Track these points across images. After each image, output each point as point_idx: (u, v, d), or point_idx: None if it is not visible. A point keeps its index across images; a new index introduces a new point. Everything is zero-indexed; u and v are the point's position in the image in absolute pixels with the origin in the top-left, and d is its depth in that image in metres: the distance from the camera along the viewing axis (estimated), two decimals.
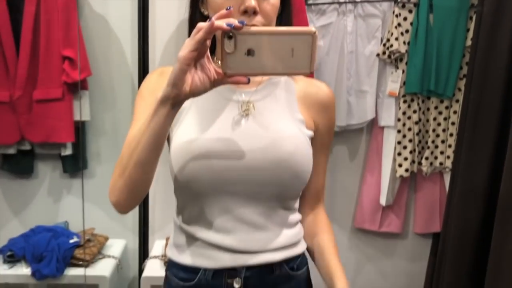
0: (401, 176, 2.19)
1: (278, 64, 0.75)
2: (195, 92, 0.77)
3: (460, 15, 2.07)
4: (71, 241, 1.98)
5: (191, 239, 0.95)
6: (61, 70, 1.99)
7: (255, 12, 0.86)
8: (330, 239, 1.02)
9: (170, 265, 1.00)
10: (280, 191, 0.92)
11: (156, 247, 2.20)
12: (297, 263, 0.98)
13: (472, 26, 2.06)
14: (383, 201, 2.24)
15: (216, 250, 0.92)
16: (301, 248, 1.00)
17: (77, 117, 2.06)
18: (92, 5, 2.11)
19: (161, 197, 2.28)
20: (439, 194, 2.31)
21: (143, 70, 2.14)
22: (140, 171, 0.84)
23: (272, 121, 0.92)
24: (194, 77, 0.76)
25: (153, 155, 0.84)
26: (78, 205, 2.13)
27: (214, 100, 0.93)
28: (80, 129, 2.11)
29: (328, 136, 1.03)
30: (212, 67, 0.77)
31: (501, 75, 1.85)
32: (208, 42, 0.75)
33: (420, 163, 2.21)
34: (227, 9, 0.74)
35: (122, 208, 0.90)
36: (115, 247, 2.19)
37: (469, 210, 1.98)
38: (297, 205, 1.01)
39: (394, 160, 2.18)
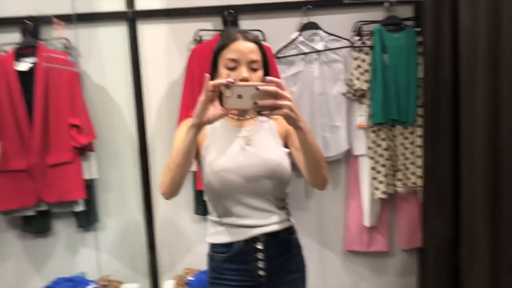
0: (379, 198, 2.42)
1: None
2: (210, 121, 1.29)
3: (410, 52, 2.38)
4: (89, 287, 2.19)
5: (225, 226, 1.47)
6: (69, 136, 2.27)
7: (247, 80, 1.38)
8: None
9: (212, 247, 1.51)
10: (273, 189, 1.46)
11: (166, 286, 2.41)
12: (291, 231, 1.54)
13: (421, 60, 2.36)
14: (367, 222, 2.47)
15: (243, 228, 1.45)
16: (291, 221, 1.55)
17: (86, 176, 2.32)
18: (92, 78, 2.42)
19: (168, 242, 2.52)
20: (418, 211, 2.52)
21: (141, 128, 2.42)
22: (179, 170, 1.37)
23: (264, 147, 1.47)
24: (209, 112, 1.28)
25: (187, 159, 1.36)
26: (93, 256, 2.36)
27: (227, 136, 1.49)
28: (90, 186, 2.37)
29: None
30: (218, 107, 1.29)
31: (449, 96, 2.14)
32: (216, 94, 1.28)
33: (395, 185, 2.45)
34: (227, 80, 1.24)
35: (167, 195, 1.42)
36: None
37: (440, 220, 2.22)
38: (285, 197, 1.55)
39: (371, 184, 2.43)
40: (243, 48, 1.41)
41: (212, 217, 1.53)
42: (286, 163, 1.47)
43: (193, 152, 1.38)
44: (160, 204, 2.49)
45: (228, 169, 1.42)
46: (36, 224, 2.39)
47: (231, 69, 1.41)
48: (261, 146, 1.47)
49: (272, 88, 1.21)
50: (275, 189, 1.47)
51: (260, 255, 1.45)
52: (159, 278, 2.51)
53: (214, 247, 1.51)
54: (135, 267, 2.53)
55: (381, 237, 2.55)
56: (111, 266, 2.49)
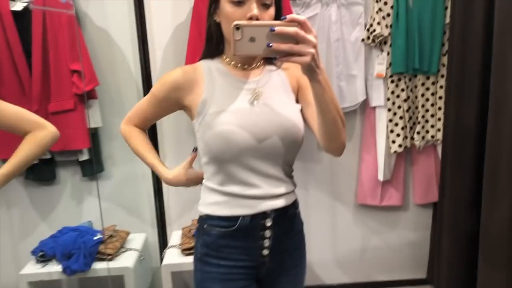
0: (395, 152, 2.31)
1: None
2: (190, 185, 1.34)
3: None
4: (95, 238, 2.16)
5: (228, 196, 1.24)
6: (71, 83, 2.16)
7: (257, 19, 1.13)
8: None
9: (208, 219, 1.27)
10: (285, 152, 1.23)
11: (174, 237, 2.38)
12: (296, 204, 1.34)
13: (449, 4, 2.16)
14: (380, 176, 2.38)
15: (250, 200, 1.22)
16: (296, 194, 1.34)
17: (90, 125, 2.23)
18: (93, 20, 2.27)
19: (175, 192, 2.46)
20: (434, 165, 2.43)
21: (146, 74, 2.30)
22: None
23: (275, 102, 1.23)
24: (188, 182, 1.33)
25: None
26: (99, 205, 2.32)
27: (230, 90, 1.24)
28: (95, 135, 2.29)
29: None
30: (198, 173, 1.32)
31: (478, 46, 1.96)
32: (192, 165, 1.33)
33: (412, 138, 2.33)
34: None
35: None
36: (136, 240, 2.37)
37: (460, 178, 2.11)
38: (293, 162, 1.32)
39: (388, 137, 2.31)
40: None
41: (211, 183, 1.27)
42: (300, 123, 1.25)
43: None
44: (168, 151, 2.41)
45: (235, 127, 1.18)
46: (40, 172, 2.35)
47: (237, 3, 1.15)
48: (272, 101, 1.24)
49: (292, 29, 0.96)
50: (287, 152, 1.24)
51: (267, 233, 1.25)
52: (167, 228, 2.48)
53: (212, 219, 1.26)
54: (142, 217, 2.49)
55: (395, 191, 2.47)
56: (117, 215, 2.45)
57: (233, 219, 1.23)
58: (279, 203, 1.25)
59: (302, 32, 0.95)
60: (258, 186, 1.22)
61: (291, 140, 1.23)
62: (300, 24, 0.96)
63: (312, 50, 0.96)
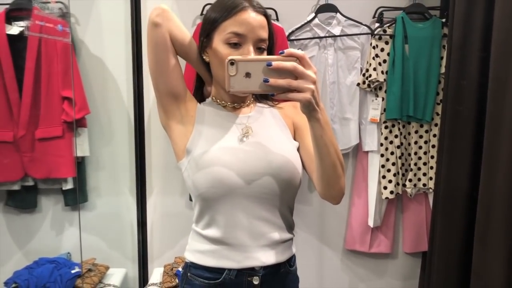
0: (386, 198, 2.28)
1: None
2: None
3: (434, 45, 2.21)
4: (73, 271, 2.07)
5: (213, 243, 1.13)
6: (61, 110, 2.12)
7: None
8: None
9: (192, 268, 1.17)
10: (280, 191, 1.12)
11: (155, 274, 2.28)
12: (292, 261, 1.21)
13: (445, 54, 2.18)
14: (371, 222, 2.33)
15: (238, 251, 1.11)
16: (294, 249, 1.22)
17: (77, 153, 2.18)
18: (89, 48, 2.25)
19: (159, 228, 2.38)
20: (425, 214, 2.39)
21: (139, 106, 2.27)
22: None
23: (267, 138, 1.15)
24: None
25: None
26: (80, 237, 2.24)
27: (219, 124, 1.16)
28: (81, 163, 2.24)
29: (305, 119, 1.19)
30: None
31: (473, 98, 1.97)
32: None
33: (404, 185, 2.31)
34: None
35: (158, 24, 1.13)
36: (116, 276, 2.28)
37: (451, 230, 2.07)
38: (292, 206, 1.20)
39: (379, 183, 2.28)
40: (253, 21, 1.08)
41: (198, 227, 1.17)
42: (297, 160, 1.15)
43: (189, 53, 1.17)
44: (153, 187, 2.35)
45: (223, 167, 1.08)
46: (21, 199, 2.28)
47: (233, 45, 1.08)
48: (264, 138, 1.14)
49: (290, 64, 0.90)
50: (283, 192, 1.13)
51: None
52: (148, 265, 2.39)
53: (196, 268, 1.15)
54: (123, 251, 2.40)
55: (385, 239, 2.42)
56: (98, 248, 2.36)
57: (218, 271, 1.12)
58: (270, 259, 1.12)
59: (300, 67, 0.90)
60: (245, 228, 1.10)
61: (286, 178, 1.12)
62: (299, 59, 0.91)
63: (312, 86, 0.91)
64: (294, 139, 1.21)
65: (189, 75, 2.13)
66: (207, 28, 1.14)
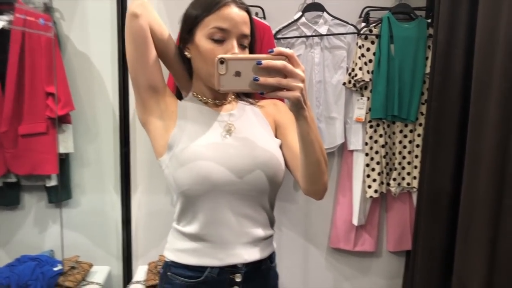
0: (371, 197, 2.29)
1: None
2: None
3: (419, 45, 2.22)
4: (55, 269, 2.05)
5: (194, 240, 1.12)
6: (45, 106, 2.10)
7: None
8: None
9: (172, 267, 1.16)
10: (269, 186, 1.13)
11: (139, 272, 2.27)
12: (273, 257, 1.23)
13: (430, 54, 2.20)
14: (355, 221, 2.35)
15: (220, 250, 1.11)
16: (275, 244, 1.24)
17: (61, 150, 2.16)
18: (75, 44, 2.23)
19: (143, 225, 2.37)
20: (409, 213, 2.41)
21: (124, 102, 2.25)
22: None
23: (250, 135, 1.15)
24: None
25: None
26: (63, 234, 2.22)
27: (202, 121, 1.15)
28: (64, 160, 2.22)
29: (287, 117, 1.22)
30: None
31: (457, 98, 1.99)
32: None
33: (388, 184, 2.32)
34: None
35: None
36: (99, 273, 2.26)
37: (434, 229, 2.09)
38: (274, 203, 1.21)
39: (364, 181, 2.30)
40: (236, 16, 1.09)
41: (179, 225, 1.16)
42: (280, 156, 1.16)
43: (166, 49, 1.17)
44: (138, 184, 2.34)
45: (207, 160, 1.07)
46: (3, 196, 2.24)
47: (217, 41, 1.09)
48: (247, 134, 1.15)
49: (279, 62, 0.91)
50: (270, 188, 1.14)
51: None
52: (132, 263, 2.38)
53: (176, 267, 1.15)
54: (107, 249, 2.38)
55: (369, 237, 2.44)
56: (82, 246, 2.34)
57: (199, 269, 1.12)
58: (252, 256, 1.13)
59: (290, 66, 0.91)
60: (230, 225, 1.10)
61: (270, 175, 1.12)
62: (288, 58, 0.92)
63: (301, 84, 0.92)
64: (276, 136, 1.22)
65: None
66: (189, 23, 1.13)
